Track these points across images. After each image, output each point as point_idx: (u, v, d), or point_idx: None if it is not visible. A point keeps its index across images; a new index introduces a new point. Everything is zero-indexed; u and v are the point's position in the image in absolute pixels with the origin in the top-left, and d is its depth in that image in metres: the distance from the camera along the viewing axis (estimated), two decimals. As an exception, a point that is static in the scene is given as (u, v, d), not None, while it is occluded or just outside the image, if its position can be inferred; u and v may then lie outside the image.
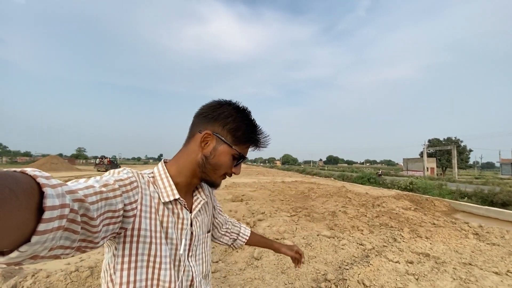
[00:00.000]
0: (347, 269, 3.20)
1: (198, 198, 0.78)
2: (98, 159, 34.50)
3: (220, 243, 1.03)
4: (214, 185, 0.75)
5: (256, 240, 1.09)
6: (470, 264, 3.58)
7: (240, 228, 1.07)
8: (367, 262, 3.47)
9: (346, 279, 2.92)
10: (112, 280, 0.60)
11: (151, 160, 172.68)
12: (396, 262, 3.55)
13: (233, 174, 0.75)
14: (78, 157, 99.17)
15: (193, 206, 0.75)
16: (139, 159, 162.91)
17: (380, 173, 22.73)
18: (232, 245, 1.06)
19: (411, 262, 3.58)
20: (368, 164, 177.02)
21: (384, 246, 4.26)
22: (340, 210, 6.78)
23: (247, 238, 1.07)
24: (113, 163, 33.24)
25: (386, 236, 4.76)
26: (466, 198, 11.84)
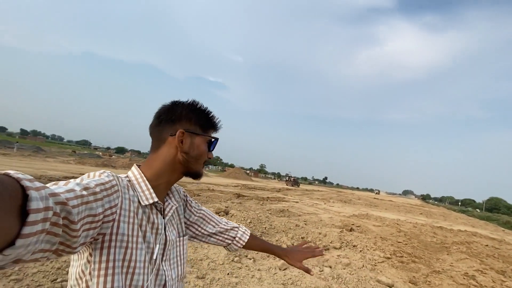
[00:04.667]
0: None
1: (169, 204, 0.78)
2: (287, 177, 48.01)
3: (207, 242, 0.98)
4: (198, 175, 0.78)
5: (255, 244, 1.05)
6: None
7: (237, 232, 1.02)
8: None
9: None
10: (88, 287, 0.59)
11: (316, 182, 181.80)
12: None
13: (209, 159, 0.79)
14: (260, 172, 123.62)
15: (166, 212, 0.76)
16: (305, 179, 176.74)
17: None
18: (226, 248, 1.03)
19: None
20: None
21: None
22: (467, 272, 4.82)
23: (244, 242, 1.02)
24: (295, 181, 43.48)
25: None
26: None
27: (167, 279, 0.71)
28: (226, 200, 11.00)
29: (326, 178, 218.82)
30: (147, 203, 0.68)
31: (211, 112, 0.79)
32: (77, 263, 0.61)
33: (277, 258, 4.36)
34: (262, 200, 12.90)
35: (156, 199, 0.69)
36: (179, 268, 0.78)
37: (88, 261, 0.59)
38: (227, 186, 20.71)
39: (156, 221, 0.70)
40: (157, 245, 0.69)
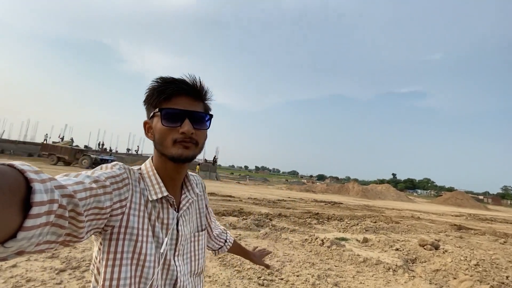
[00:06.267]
0: None
1: (187, 196, 0.74)
2: None
3: (207, 247, 0.94)
4: (174, 158, 0.65)
5: (235, 247, 1.08)
6: None
7: (227, 235, 1.05)
8: None
9: None
10: (99, 273, 0.61)
11: None
12: None
13: (183, 134, 0.64)
14: (505, 197, 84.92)
15: (181, 205, 0.72)
16: None
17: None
18: (217, 251, 1.03)
19: None
20: None
21: None
22: None
23: (231, 245, 1.05)
24: None
25: None
26: None
27: (178, 274, 0.68)
28: (439, 231, 8.79)
29: None
30: (155, 197, 0.66)
31: (160, 79, 0.66)
32: (94, 248, 0.64)
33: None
34: (505, 236, 8.93)
35: (165, 193, 0.67)
36: (193, 263, 0.75)
37: (99, 249, 0.61)
38: (443, 215, 16.46)
39: (165, 215, 0.68)
40: (166, 240, 0.66)
